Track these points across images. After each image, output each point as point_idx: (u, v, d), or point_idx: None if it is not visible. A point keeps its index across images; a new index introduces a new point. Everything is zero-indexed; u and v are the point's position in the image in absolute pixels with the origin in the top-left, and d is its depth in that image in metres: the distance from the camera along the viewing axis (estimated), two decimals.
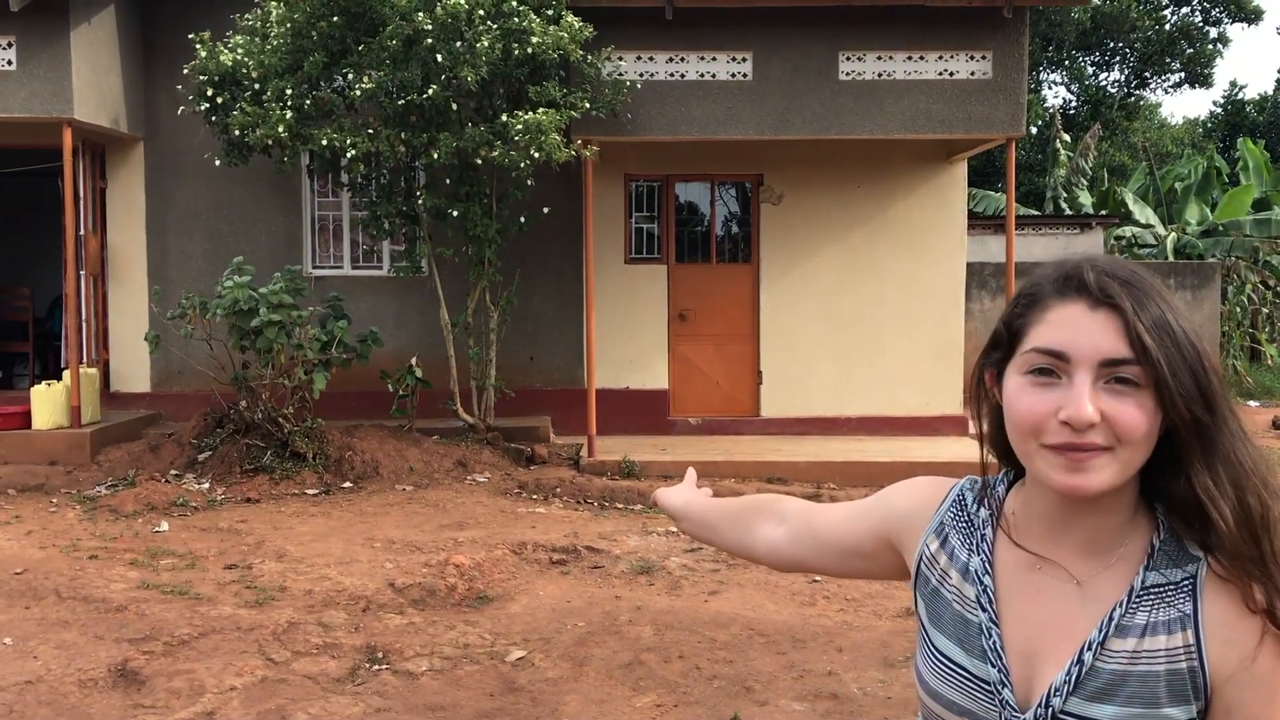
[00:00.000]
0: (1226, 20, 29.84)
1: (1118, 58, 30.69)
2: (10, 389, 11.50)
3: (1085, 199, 20.44)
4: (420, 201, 9.53)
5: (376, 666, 5.07)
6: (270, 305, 8.66)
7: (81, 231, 10.26)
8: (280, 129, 8.76)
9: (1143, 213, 19.74)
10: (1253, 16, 29.40)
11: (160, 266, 10.84)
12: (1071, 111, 30.38)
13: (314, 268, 10.95)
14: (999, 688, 1.24)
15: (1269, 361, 16.98)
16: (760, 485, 9.05)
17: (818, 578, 6.52)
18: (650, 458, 9.57)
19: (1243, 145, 21.37)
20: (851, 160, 10.82)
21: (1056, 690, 1.20)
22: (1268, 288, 17.56)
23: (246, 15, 9.41)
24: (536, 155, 8.79)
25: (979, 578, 1.29)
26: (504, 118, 8.84)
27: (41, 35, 9.33)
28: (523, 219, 9.66)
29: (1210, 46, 29.84)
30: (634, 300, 10.92)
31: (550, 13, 9.13)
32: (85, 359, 10.24)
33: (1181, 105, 75.38)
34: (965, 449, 9.98)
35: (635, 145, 10.27)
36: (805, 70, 9.57)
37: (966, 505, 1.35)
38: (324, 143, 8.87)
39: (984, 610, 1.27)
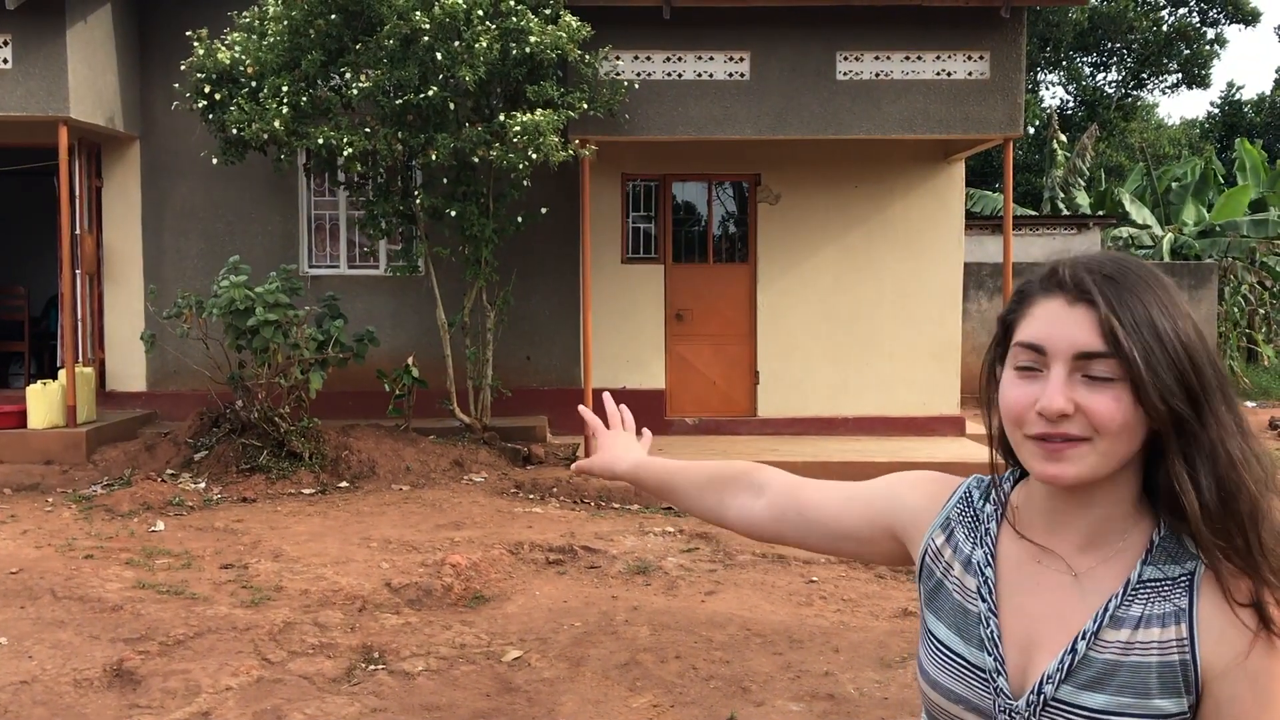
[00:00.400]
0: (1224, 21, 29.90)
1: (1115, 58, 30.73)
2: (6, 388, 11.47)
3: (1082, 199, 20.47)
4: (417, 201, 9.51)
5: (372, 666, 5.06)
6: (266, 305, 8.65)
7: (77, 230, 10.24)
8: (277, 124, 8.75)
9: (1140, 213, 19.76)
10: (1250, 18, 29.46)
11: (156, 265, 10.82)
12: (1069, 112, 30.41)
13: (310, 267, 10.93)
14: (994, 676, 1.26)
15: (1266, 362, 17.00)
16: None
17: (815, 578, 6.52)
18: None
19: (1240, 146, 21.41)
20: (849, 160, 10.82)
21: (1049, 678, 1.22)
22: (1264, 288, 17.57)
23: (244, 13, 9.40)
24: (535, 156, 8.78)
25: (981, 570, 1.31)
26: (502, 118, 8.83)
27: (37, 34, 9.31)
28: (520, 219, 9.64)
29: (1208, 47, 29.89)
30: (631, 300, 10.91)
31: (548, 12, 9.12)
32: (81, 358, 10.22)
33: (1179, 106, 75.41)
34: (962, 449, 9.99)
35: (632, 145, 10.26)
36: (803, 70, 9.57)
37: (973, 501, 1.38)
38: (320, 141, 8.86)
39: (983, 600, 1.30)
